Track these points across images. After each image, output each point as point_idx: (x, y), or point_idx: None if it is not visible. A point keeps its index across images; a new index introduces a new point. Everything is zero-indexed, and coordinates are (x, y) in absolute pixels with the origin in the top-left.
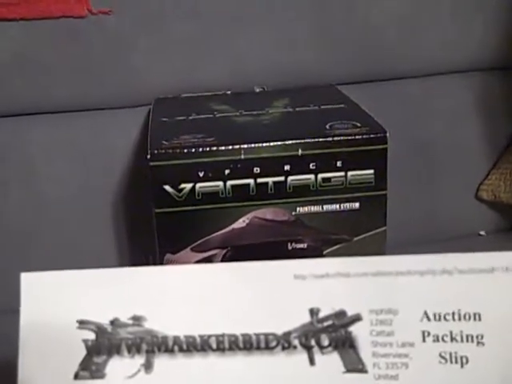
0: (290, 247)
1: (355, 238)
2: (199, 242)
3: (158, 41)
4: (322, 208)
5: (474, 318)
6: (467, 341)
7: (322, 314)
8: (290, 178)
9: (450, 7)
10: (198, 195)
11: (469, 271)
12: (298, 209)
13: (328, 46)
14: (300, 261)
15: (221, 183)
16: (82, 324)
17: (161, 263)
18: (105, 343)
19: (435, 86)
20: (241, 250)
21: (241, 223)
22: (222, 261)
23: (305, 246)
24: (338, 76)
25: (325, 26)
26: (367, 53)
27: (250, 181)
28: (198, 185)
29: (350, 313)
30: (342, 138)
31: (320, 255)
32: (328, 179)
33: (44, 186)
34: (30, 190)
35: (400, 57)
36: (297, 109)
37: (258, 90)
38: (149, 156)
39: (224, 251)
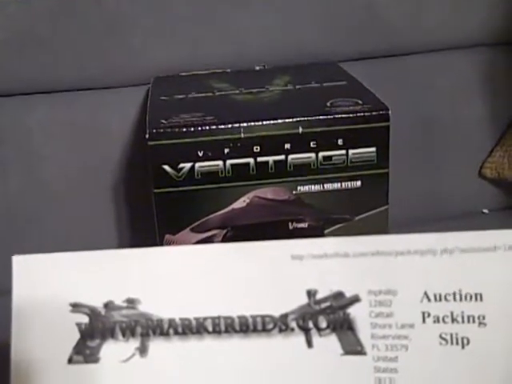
0: (290, 227)
1: (357, 217)
2: (199, 222)
3: (157, 19)
4: (323, 187)
5: (476, 299)
6: (468, 321)
7: (319, 296)
8: (291, 156)
9: None
10: (198, 175)
11: (470, 250)
12: (298, 188)
13: (329, 22)
14: (297, 241)
15: (220, 162)
16: (75, 307)
17: (160, 244)
18: (99, 327)
19: (438, 62)
20: (241, 230)
21: (241, 203)
22: (222, 241)
23: (305, 225)
24: (340, 53)
25: (326, 2)
26: (369, 29)
27: (250, 160)
28: (198, 164)
29: (349, 294)
30: (343, 115)
31: (321, 235)
32: (329, 157)
33: (42, 165)
34: (28, 170)
35: (402, 33)
36: (297, 86)
37: (258, 68)
38: (147, 135)
39: (224, 231)
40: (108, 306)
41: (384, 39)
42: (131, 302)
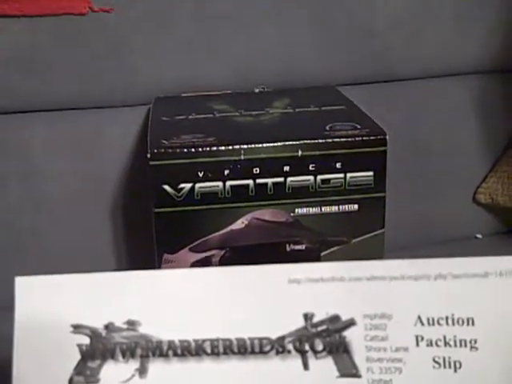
0: (288, 248)
1: (353, 240)
2: (198, 242)
3: (158, 40)
4: (321, 209)
5: (468, 323)
6: (461, 345)
7: (316, 319)
8: (290, 178)
9: (451, 10)
10: (197, 195)
11: (463, 276)
12: (296, 210)
13: (328, 47)
14: (295, 265)
15: (220, 183)
16: (77, 328)
17: (159, 262)
18: (99, 348)
19: (435, 88)
20: (239, 251)
21: (239, 224)
22: (221, 261)
23: (303, 247)
24: (339, 77)
25: (325, 27)
26: (368, 54)
27: (250, 181)
28: (198, 185)
29: (344, 317)
30: (341, 139)
31: (318, 257)
32: (327, 180)
33: (43, 183)
34: (29, 187)
35: (400, 59)
36: (297, 109)
37: (257, 91)
38: (149, 155)
39: (222, 252)
40: (109, 327)
41: (382, 65)
42: (131, 324)
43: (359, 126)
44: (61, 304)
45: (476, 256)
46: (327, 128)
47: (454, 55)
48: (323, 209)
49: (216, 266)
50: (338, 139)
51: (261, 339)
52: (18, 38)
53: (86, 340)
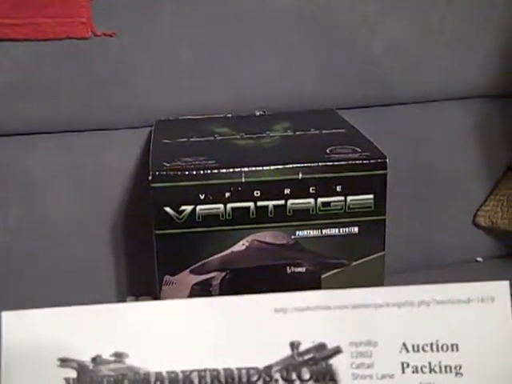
0: (288, 271)
1: (354, 263)
2: (198, 264)
3: (160, 64)
4: (321, 232)
5: (452, 349)
6: (446, 372)
7: (302, 347)
8: (290, 201)
9: (449, 35)
10: (199, 217)
11: (446, 302)
12: (297, 232)
13: (329, 71)
14: (280, 294)
15: (221, 206)
16: (64, 362)
17: (160, 285)
18: (86, 381)
19: (434, 112)
20: (240, 273)
21: (240, 246)
22: (221, 283)
23: (303, 269)
24: (339, 101)
25: (326, 51)
26: (367, 78)
27: (251, 204)
28: (199, 207)
29: (330, 345)
30: (342, 162)
31: (318, 279)
32: (328, 203)
33: (44, 206)
34: (29, 210)
35: (400, 83)
36: (297, 133)
37: (258, 114)
38: (150, 178)
39: (223, 274)
40: (96, 360)
41: (382, 89)
42: (119, 356)
43: (359, 150)
44: (48, 338)
45: (476, 279)
46: (327, 151)
47: (453, 80)
48: (324, 231)
49: (217, 288)
50: (338, 162)
51: (248, 369)
52: (21, 62)
53: (73, 374)
